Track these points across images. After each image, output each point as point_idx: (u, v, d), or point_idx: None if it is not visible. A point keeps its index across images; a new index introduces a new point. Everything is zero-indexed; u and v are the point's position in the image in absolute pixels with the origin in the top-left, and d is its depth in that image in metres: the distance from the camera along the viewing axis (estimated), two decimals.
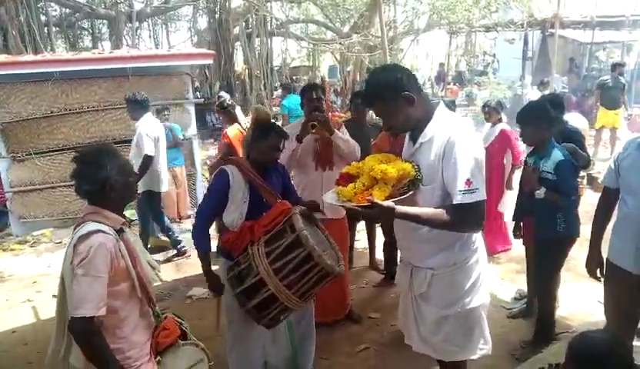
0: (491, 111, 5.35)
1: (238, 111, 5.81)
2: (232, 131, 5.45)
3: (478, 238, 2.35)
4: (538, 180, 3.36)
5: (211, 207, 2.97)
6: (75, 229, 2.09)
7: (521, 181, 3.87)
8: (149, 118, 5.76)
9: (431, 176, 2.18)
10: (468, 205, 2.07)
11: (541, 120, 3.40)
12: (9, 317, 4.77)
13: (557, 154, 3.34)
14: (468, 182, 2.05)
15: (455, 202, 2.09)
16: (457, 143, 2.09)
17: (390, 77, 2.18)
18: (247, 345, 3.09)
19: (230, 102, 5.84)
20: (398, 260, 4.35)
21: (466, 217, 2.10)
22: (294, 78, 19.18)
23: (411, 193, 2.18)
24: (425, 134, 2.21)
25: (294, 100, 9.77)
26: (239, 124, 5.57)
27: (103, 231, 2.01)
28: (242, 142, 5.16)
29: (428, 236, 2.25)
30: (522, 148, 5.10)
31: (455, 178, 2.07)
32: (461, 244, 2.27)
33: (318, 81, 17.44)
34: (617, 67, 9.92)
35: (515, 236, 4.09)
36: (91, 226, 2.02)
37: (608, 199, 2.92)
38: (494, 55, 22.20)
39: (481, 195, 2.09)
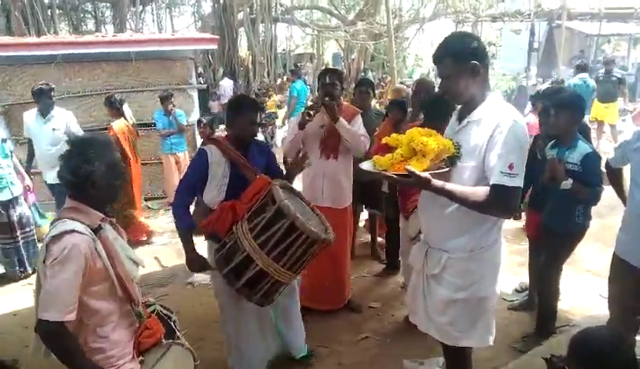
0: None
1: (125, 107, 6.01)
2: (118, 126, 5.76)
3: (498, 230, 2.34)
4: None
5: (188, 186, 3.01)
6: (51, 225, 2.01)
7: (528, 171, 3.87)
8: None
9: (472, 156, 2.19)
10: (506, 188, 2.07)
11: (577, 110, 3.37)
12: (10, 299, 4.78)
13: (584, 147, 3.29)
14: (511, 166, 2.07)
15: (493, 182, 2.10)
16: (507, 127, 2.09)
17: (470, 41, 2.22)
18: (244, 327, 3.09)
19: (118, 98, 6.00)
20: (400, 251, 4.39)
21: (500, 200, 2.10)
22: (298, 64, 19.09)
23: (447, 169, 2.19)
24: (474, 114, 2.23)
25: (302, 84, 9.99)
26: (125, 119, 5.88)
27: (78, 231, 1.92)
28: (127, 136, 5.58)
29: (453, 216, 2.25)
30: None
31: (499, 160, 2.08)
32: (482, 232, 2.27)
33: (322, 68, 17.35)
34: (608, 63, 10.07)
35: (515, 218, 4.09)
36: (65, 225, 1.93)
37: (614, 175, 3.16)
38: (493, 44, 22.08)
39: (519, 182, 2.11)
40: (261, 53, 16.54)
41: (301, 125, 3.62)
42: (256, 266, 2.57)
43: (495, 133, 2.11)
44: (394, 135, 2.33)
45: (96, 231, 2.01)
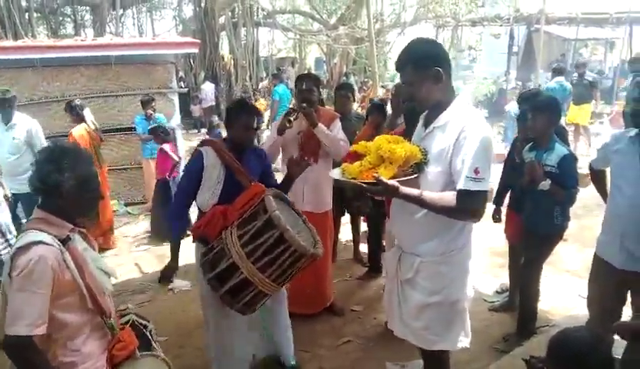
0: None
1: (86, 112, 5.94)
2: (78, 132, 5.70)
3: (470, 230, 2.36)
4: None
5: (185, 187, 3.04)
6: (18, 237, 1.96)
7: (507, 174, 3.98)
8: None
9: (439, 161, 2.20)
10: (472, 193, 2.09)
11: (554, 113, 3.43)
12: None
13: (561, 149, 3.35)
14: (477, 171, 2.08)
15: (459, 187, 2.11)
16: (471, 132, 2.11)
17: (429, 48, 2.25)
18: (226, 333, 3.06)
19: (78, 103, 5.94)
20: (383, 254, 4.40)
21: (467, 205, 2.12)
22: (280, 68, 19.09)
23: (415, 175, 2.21)
24: (439, 119, 2.24)
25: (284, 88, 10.06)
26: (87, 124, 5.82)
27: (44, 242, 1.87)
28: (87, 142, 5.48)
29: (421, 221, 2.26)
30: None
31: (465, 165, 2.10)
32: (452, 235, 2.29)
33: (304, 72, 17.36)
34: (579, 66, 10.26)
35: (495, 220, 4.17)
36: (31, 236, 1.87)
37: (596, 176, 3.22)
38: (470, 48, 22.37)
39: (485, 186, 2.12)
40: (243, 57, 16.49)
41: (280, 131, 3.61)
42: (241, 274, 2.54)
43: (460, 138, 2.12)
44: (362, 143, 2.35)
45: (64, 241, 1.95)
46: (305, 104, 3.60)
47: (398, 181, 2.12)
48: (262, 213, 2.59)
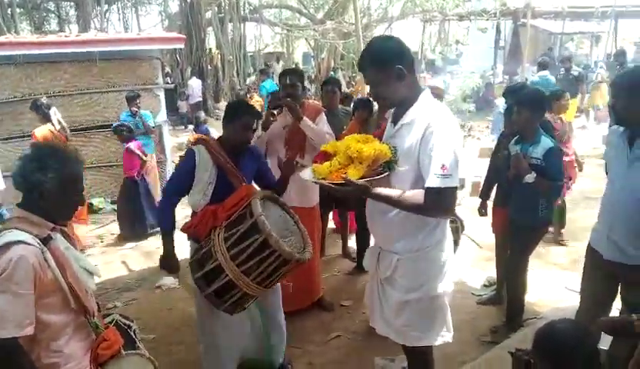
0: None
1: (53, 111, 5.86)
2: (41, 132, 5.61)
3: (444, 226, 2.36)
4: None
5: (175, 186, 3.02)
6: None
7: (494, 166, 4.00)
8: None
9: (407, 158, 2.19)
10: (441, 189, 2.08)
11: (539, 107, 3.46)
12: None
13: (546, 142, 3.38)
14: (444, 167, 2.07)
15: (427, 185, 2.11)
16: (437, 128, 2.10)
17: (389, 47, 2.21)
18: (216, 331, 3.02)
19: (44, 102, 5.86)
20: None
21: (436, 201, 2.11)
22: (267, 63, 18.99)
23: (386, 174, 2.19)
24: (406, 116, 2.23)
25: (271, 83, 9.93)
26: (52, 124, 5.72)
27: (25, 242, 1.82)
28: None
29: (394, 220, 2.26)
30: None
31: (431, 162, 2.09)
32: (427, 231, 2.28)
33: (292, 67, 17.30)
34: (564, 61, 10.28)
35: (481, 214, 4.19)
36: (11, 236, 1.83)
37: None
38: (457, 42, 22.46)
39: (454, 182, 2.11)
40: (230, 52, 16.39)
41: (265, 126, 3.59)
42: (226, 276, 2.53)
43: (426, 134, 2.11)
44: (331, 142, 2.33)
45: (45, 241, 1.90)
46: (289, 99, 3.59)
47: (367, 181, 2.10)
48: (248, 216, 2.57)
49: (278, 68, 17.61)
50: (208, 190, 2.89)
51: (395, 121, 2.32)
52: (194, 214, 2.95)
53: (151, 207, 6.22)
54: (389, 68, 2.17)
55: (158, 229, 6.18)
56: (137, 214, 6.17)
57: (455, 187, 2.14)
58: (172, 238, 3.00)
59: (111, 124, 7.25)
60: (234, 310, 2.71)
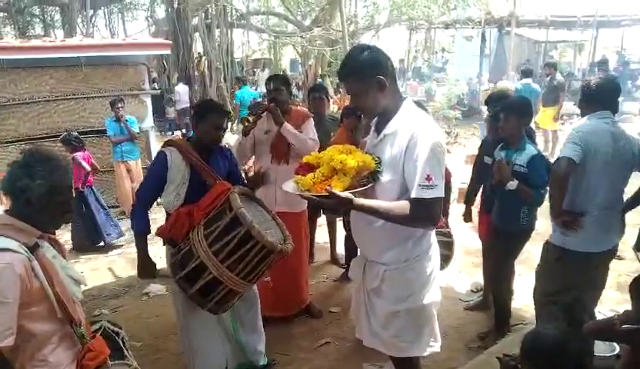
0: None
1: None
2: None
3: (431, 236, 2.35)
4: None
5: (147, 189, 3.02)
6: None
7: (477, 174, 4.06)
8: None
9: (392, 169, 2.16)
10: (426, 200, 2.07)
11: (525, 114, 3.49)
12: None
13: (531, 149, 3.40)
14: (429, 178, 2.05)
15: (412, 196, 2.09)
16: (421, 138, 2.08)
17: (369, 57, 2.17)
18: (202, 331, 3.02)
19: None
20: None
21: (422, 212, 2.10)
22: (255, 70, 18.98)
23: (370, 185, 2.17)
24: (389, 126, 2.20)
25: (246, 92, 10.29)
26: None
27: (11, 249, 1.79)
28: None
29: (381, 231, 2.24)
30: None
31: (416, 173, 2.07)
32: (414, 241, 2.26)
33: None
34: (546, 67, 10.24)
35: (466, 220, 4.24)
36: None
37: None
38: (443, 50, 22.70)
39: (439, 192, 2.09)
40: (217, 58, 16.36)
41: (245, 132, 3.61)
42: (210, 273, 2.53)
43: (410, 144, 2.09)
44: (314, 153, 2.31)
45: (33, 248, 1.87)
46: (272, 104, 3.62)
47: (352, 192, 2.07)
48: (228, 211, 2.58)
49: (264, 76, 17.63)
50: (182, 190, 2.91)
51: (378, 131, 2.29)
52: (168, 215, 2.94)
53: (105, 218, 6.12)
54: (369, 78, 2.14)
55: (121, 239, 6.22)
56: (87, 227, 6.01)
57: (441, 198, 2.12)
58: (145, 239, 2.98)
59: (99, 130, 7.23)
60: (218, 309, 2.71)
